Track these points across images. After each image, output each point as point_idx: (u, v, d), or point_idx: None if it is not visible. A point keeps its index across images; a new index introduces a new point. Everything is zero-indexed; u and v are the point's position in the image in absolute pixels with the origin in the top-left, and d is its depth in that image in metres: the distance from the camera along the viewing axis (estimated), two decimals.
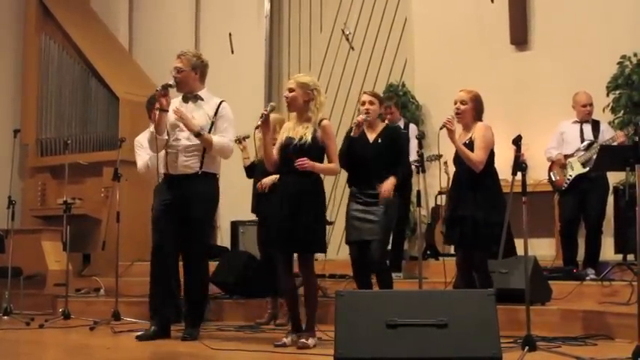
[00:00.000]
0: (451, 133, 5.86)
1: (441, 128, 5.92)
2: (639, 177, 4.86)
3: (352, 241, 6.28)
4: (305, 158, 5.53)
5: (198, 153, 6.08)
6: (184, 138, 6.07)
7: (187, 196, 6.04)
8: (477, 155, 5.89)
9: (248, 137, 6.77)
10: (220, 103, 6.24)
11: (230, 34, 11.44)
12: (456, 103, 6.05)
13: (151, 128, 6.17)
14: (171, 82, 6.07)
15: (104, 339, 6.31)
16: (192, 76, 6.18)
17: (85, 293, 9.19)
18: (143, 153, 7.13)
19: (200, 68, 6.24)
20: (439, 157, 7.56)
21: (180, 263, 6.35)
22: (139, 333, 6.12)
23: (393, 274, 7.02)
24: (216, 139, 6.03)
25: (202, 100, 6.17)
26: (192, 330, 6.09)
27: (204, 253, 6.24)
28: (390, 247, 8.27)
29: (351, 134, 6.21)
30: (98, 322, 7.01)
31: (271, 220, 5.76)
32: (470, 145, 5.93)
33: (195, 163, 6.09)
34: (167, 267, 6.19)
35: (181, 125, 6.04)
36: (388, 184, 6.09)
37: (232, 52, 11.49)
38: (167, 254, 6.15)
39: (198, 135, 5.96)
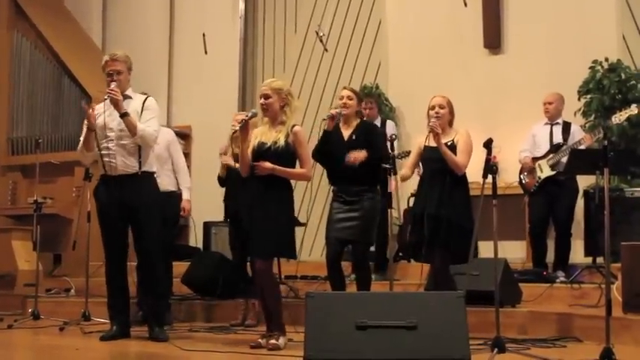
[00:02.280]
0: (438, 137, 5.90)
1: (429, 131, 5.95)
2: (607, 181, 4.91)
3: (331, 240, 6.26)
4: (265, 162, 5.53)
5: (136, 151, 6.08)
6: (117, 138, 6.07)
7: (131, 197, 6.05)
8: (462, 159, 5.97)
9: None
10: (146, 98, 6.28)
11: (204, 35, 11.41)
12: (434, 108, 6.07)
13: (81, 144, 6.19)
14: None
15: (74, 340, 6.27)
16: (127, 78, 6.22)
17: (55, 293, 9.11)
18: None
19: (131, 68, 6.27)
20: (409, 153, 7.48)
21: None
22: (102, 334, 6.13)
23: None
24: (140, 125, 6.04)
25: (131, 98, 6.18)
26: (158, 330, 6.09)
27: (157, 251, 6.20)
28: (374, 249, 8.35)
29: (326, 128, 6.20)
30: (68, 322, 6.96)
31: (243, 225, 5.76)
32: (450, 148, 5.99)
33: (135, 162, 6.10)
34: (121, 268, 6.22)
35: (113, 126, 6.05)
36: (357, 154, 6.10)
37: (206, 52, 11.46)
38: (119, 255, 6.19)
39: (124, 115, 5.96)
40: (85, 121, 6.13)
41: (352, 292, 6.04)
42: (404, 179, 6.29)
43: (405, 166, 6.41)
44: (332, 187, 6.36)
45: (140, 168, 6.11)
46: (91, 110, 6.06)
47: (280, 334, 5.60)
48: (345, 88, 6.51)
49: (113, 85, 6.01)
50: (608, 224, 4.77)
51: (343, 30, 10.69)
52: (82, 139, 6.21)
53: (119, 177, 6.09)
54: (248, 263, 6.50)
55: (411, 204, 8.92)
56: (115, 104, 5.97)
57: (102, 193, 6.20)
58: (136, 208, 6.06)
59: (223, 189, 7.33)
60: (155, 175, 6.36)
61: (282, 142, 5.60)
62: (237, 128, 5.61)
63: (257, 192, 5.62)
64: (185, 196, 7.27)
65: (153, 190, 6.27)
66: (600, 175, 5.33)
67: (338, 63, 10.67)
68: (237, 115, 6.38)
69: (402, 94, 9.97)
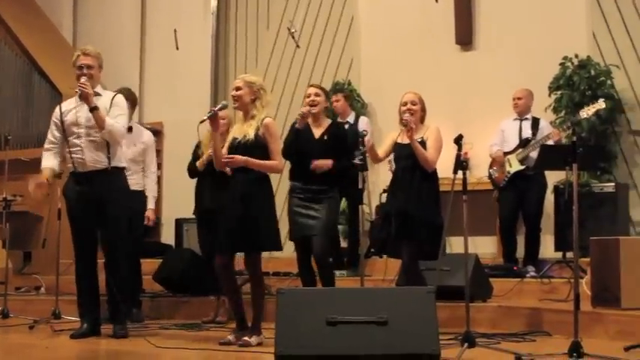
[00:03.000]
0: (411, 132, 5.91)
1: (405, 125, 5.97)
2: (576, 176, 4.95)
3: (296, 238, 6.28)
4: (235, 155, 5.52)
5: (104, 147, 6.05)
6: (85, 135, 6.04)
7: (100, 191, 6.02)
8: (432, 155, 5.99)
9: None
10: (115, 95, 6.25)
11: (175, 30, 11.37)
12: (406, 104, 6.08)
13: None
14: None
15: (44, 338, 6.21)
16: (98, 75, 6.19)
17: (25, 291, 9.04)
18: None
19: (102, 66, 6.25)
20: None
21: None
22: (72, 332, 6.09)
23: (337, 272, 7.06)
24: (109, 119, 6.00)
25: (100, 95, 6.15)
26: (119, 327, 6.07)
27: (122, 247, 6.17)
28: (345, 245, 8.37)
29: (296, 125, 6.20)
30: (38, 320, 6.90)
31: (221, 220, 5.72)
32: (420, 144, 5.99)
33: (104, 158, 6.07)
34: (91, 266, 6.20)
35: (82, 122, 6.02)
36: (322, 162, 6.13)
37: (177, 48, 11.42)
38: (89, 253, 6.17)
39: (93, 109, 5.92)
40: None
41: (323, 288, 6.05)
42: (373, 158, 6.25)
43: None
44: (291, 183, 6.34)
45: (110, 163, 6.08)
46: (80, 88, 5.96)
47: (254, 333, 5.60)
48: (311, 85, 6.52)
49: (83, 79, 5.97)
50: (576, 219, 4.81)
51: (315, 26, 10.70)
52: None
53: (88, 173, 6.05)
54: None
55: (383, 200, 8.97)
56: (85, 98, 5.92)
57: (71, 190, 6.16)
58: (104, 202, 6.01)
59: (194, 186, 7.27)
60: (125, 171, 6.33)
61: (251, 135, 5.60)
62: (205, 117, 5.60)
63: (238, 186, 5.60)
64: (150, 205, 7.22)
65: (122, 185, 6.24)
66: (570, 171, 5.36)
67: (310, 59, 10.68)
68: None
69: (374, 91, 10.00)
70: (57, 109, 6.21)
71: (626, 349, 4.88)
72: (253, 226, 5.53)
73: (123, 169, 6.27)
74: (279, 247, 5.76)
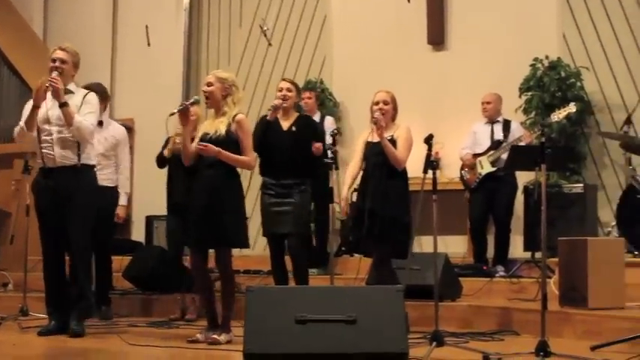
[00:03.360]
0: (381, 130, 5.91)
1: (374, 123, 5.97)
2: (544, 177, 4.99)
3: (270, 235, 6.26)
4: (209, 144, 5.51)
5: (75, 145, 6.01)
6: (57, 132, 5.99)
7: (68, 188, 5.97)
8: (402, 154, 5.98)
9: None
10: (88, 93, 6.21)
11: (147, 27, 11.31)
12: (378, 104, 6.08)
13: (22, 122, 6.07)
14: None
15: (11, 335, 6.15)
16: (72, 72, 6.15)
17: None
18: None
19: (77, 66, 6.21)
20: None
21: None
22: (40, 329, 6.05)
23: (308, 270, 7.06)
24: (78, 116, 5.96)
25: (72, 93, 6.11)
26: (77, 324, 5.99)
27: (84, 244, 6.10)
28: (314, 243, 8.36)
29: (267, 117, 6.19)
30: (5, 317, 6.83)
31: (190, 216, 5.71)
32: (390, 143, 5.99)
33: (73, 155, 6.02)
34: (59, 263, 6.16)
35: (53, 118, 5.97)
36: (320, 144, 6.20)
37: (149, 44, 11.36)
38: (57, 250, 6.12)
39: (63, 105, 5.88)
40: (32, 100, 6.01)
41: (292, 286, 6.05)
42: (352, 177, 6.26)
43: (350, 166, 6.37)
44: (263, 179, 6.34)
45: (79, 160, 6.04)
46: (41, 86, 5.92)
47: (224, 331, 5.58)
48: (284, 79, 6.52)
49: (54, 73, 5.93)
50: (544, 220, 4.85)
51: (288, 24, 10.69)
52: (23, 116, 6.08)
53: (57, 169, 6.00)
54: (186, 256, 6.51)
55: (354, 199, 8.98)
56: (55, 92, 5.88)
57: (40, 186, 6.12)
58: (71, 197, 5.96)
59: (166, 183, 7.23)
60: (95, 169, 6.29)
61: (222, 131, 5.57)
62: (175, 110, 5.58)
63: (207, 182, 5.58)
64: (122, 201, 7.16)
65: (89, 183, 6.17)
66: (539, 172, 5.40)
67: (283, 57, 10.67)
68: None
69: (346, 89, 10.01)
70: (29, 104, 6.15)
71: (593, 348, 4.92)
72: (222, 223, 5.51)
73: (92, 166, 6.23)
74: (247, 245, 5.76)
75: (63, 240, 6.12)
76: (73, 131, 5.94)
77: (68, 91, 6.04)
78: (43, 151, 6.01)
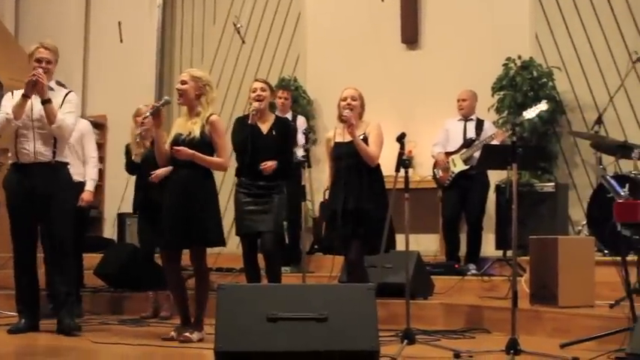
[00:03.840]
0: (352, 127, 5.89)
1: (342, 121, 5.95)
2: (515, 176, 5.03)
3: (244, 234, 6.25)
4: (183, 147, 5.49)
5: (51, 142, 5.97)
6: (36, 127, 5.94)
7: (43, 186, 5.93)
8: (374, 151, 5.95)
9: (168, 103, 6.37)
10: (69, 92, 6.18)
11: (119, 23, 11.24)
12: (346, 99, 6.05)
13: (9, 111, 5.99)
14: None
15: None
16: (53, 70, 6.11)
17: None
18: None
19: (57, 62, 6.18)
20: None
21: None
22: (10, 327, 5.99)
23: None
24: (60, 115, 5.93)
25: (53, 90, 6.07)
26: (68, 322, 5.97)
27: (68, 243, 6.08)
28: (287, 241, 8.36)
29: (249, 121, 6.16)
30: None
31: (164, 216, 5.67)
32: (362, 140, 5.98)
33: (49, 151, 5.98)
34: (31, 260, 6.10)
35: (33, 114, 5.92)
36: (270, 164, 6.12)
37: (121, 41, 11.28)
38: (28, 247, 6.06)
39: (45, 102, 5.85)
40: (16, 91, 5.99)
41: (264, 284, 6.05)
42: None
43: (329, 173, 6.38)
44: (239, 179, 6.32)
45: (54, 157, 5.99)
46: (33, 77, 5.87)
47: (196, 329, 5.57)
48: (257, 80, 6.47)
49: (40, 70, 5.89)
50: (515, 218, 4.88)
51: (262, 22, 10.68)
52: (4, 107, 6.01)
53: (31, 165, 5.95)
54: (157, 254, 6.49)
55: (327, 197, 8.98)
56: (41, 88, 5.83)
57: (12, 183, 6.06)
58: (48, 198, 5.92)
59: (134, 178, 7.20)
60: (69, 165, 6.25)
61: (196, 133, 5.55)
62: (148, 113, 5.56)
63: (181, 182, 5.56)
64: (88, 187, 7.08)
65: (66, 180, 6.15)
66: (511, 171, 5.43)
67: (256, 55, 10.66)
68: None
69: (319, 88, 10.01)
70: (8, 96, 6.09)
71: (562, 346, 4.97)
72: (197, 222, 5.51)
73: (67, 164, 6.18)
74: (223, 243, 5.75)
75: (35, 238, 6.09)
76: (53, 129, 5.91)
77: (49, 88, 6.01)
78: (18, 146, 5.96)
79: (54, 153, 5.98)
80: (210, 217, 5.59)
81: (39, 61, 6.00)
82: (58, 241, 6.02)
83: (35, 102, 5.93)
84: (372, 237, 5.83)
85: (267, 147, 6.18)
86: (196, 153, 5.50)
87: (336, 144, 6.12)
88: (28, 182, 5.96)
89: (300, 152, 7.16)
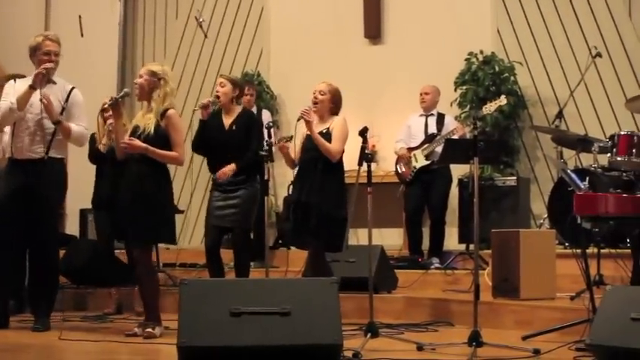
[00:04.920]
0: (308, 124, 5.86)
1: (298, 119, 5.93)
2: (476, 170, 5.06)
3: (210, 228, 6.23)
4: (135, 140, 5.46)
5: (45, 138, 5.91)
6: (32, 120, 5.90)
7: (35, 183, 5.88)
8: (336, 146, 5.88)
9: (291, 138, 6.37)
10: (72, 89, 6.14)
11: (80, 17, 11.11)
12: (314, 93, 6.04)
13: (13, 100, 5.91)
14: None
15: None
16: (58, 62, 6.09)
17: None
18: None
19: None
20: (290, 138, 7.33)
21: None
22: None
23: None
24: (74, 127, 5.94)
25: (54, 83, 6.01)
26: (44, 320, 5.94)
27: (55, 240, 6.05)
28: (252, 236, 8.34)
29: (200, 117, 6.16)
30: None
31: (118, 211, 5.67)
32: (325, 135, 5.91)
33: (41, 148, 5.93)
34: (10, 257, 6.02)
35: (32, 108, 5.86)
36: (226, 169, 6.14)
37: (82, 35, 11.16)
38: (13, 244, 5.98)
39: (57, 123, 5.82)
40: (19, 80, 5.99)
41: (226, 278, 6.04)
42: (291, 164, 6.21)
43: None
44: (212, 176, 6.32)
45: (47, 153, 5.92)
46: (43, 70, 5.82)
47: (156, 324, 5.55)
48: (221, 76, 6.49)
49: (49, 65, 5.88)
50: (477, 212, 4.92)
51: (225, 17, 10.64)
52: (7, 95, 5.97)
53: (24, 161, 5.91)
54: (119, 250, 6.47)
55: (291, 192, 8.98)
56: (49, 111, 5.82)
57: (4, 178, 6.01)
58: (39, 195, 5.87)
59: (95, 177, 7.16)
60: (65, 161, 6.17)
61: (150, 128, 5.52)
62: (107, 104, 5.52)
63: (133, 177, 5.53)
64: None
65: (55, 177, 6.06)
66: (473, 165, 5.47)
67: (219, 50, 10.62)
68: None
69: (283, 82, 10.02)
70: (10, 84, 6.00)
71: (524, 338, 5.02)
72: (146, 218, 5.47)
73: (61, 159, 6.11)
74: (173, 240, 5.74)
75: (20, 233, 5.97)
76: (72, 141, 5.98)
77: (51, 80, 5.94)
78: (15, 140, 5.92)
79: (48, 149, 5.92)
80: (160, 213, 5.55)
81: (47, 54, 5.95)
82: (44, 240, 5.97)
83: (33, 97, 5.86)
84: (328, 233, 5.77)
85: (227, 142, 6.16)
86: (149, 147, 5.47)
87: (306, 136, 6.10)
88: (18, 179, 5.92)
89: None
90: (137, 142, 5.46)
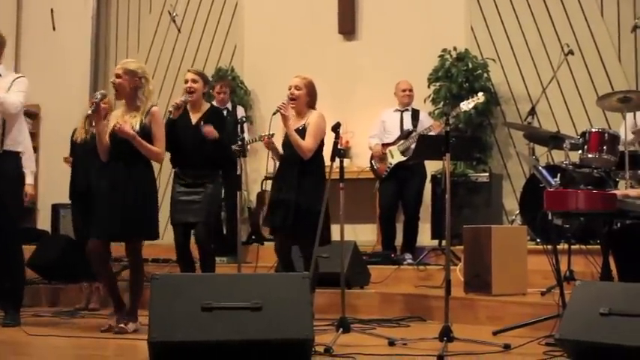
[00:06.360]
0: (284, 119, 5.84)
1: (274, 113, 5.90)
2: (448, 166, 5.08)
3: (177, 224, 6.22)
4: (126, 125, 5.42)
5: None
6: None
7: None
8: (308, 143, 5.85)
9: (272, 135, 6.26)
10: (20, 76, 6.08)
11: (52, 10, 11.03)
12: (290, 89, 6.00)
13: None
14: None
15: None
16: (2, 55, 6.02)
17: None
18: None
19: (4, 46, 6.09)
20: (272, 135, 7.27)
21: None
22: None
23: (217, 259, 7.03)
24: (2, 92, 5.82)
25: (1, 76, 5.95)
26: (14, 315, 5.90)
27: (15, 234, 5.99)
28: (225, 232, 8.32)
29: (171, 116, 6.13)
30: None
31: (99, 206, 5.62)
32: (302, 131, 5.90)
33: None
34: None
35: None
36: (213, 130, 6.11)
37: (54, 28, 11.08)
38: None
39: None
40: None
41: (198, 274, 6.02)
42: (279, 158, 6.17)
43: None
44: (174, 169, 6.29)
45: (2, 146, 5.85)
46: None
47: (131, 319, 5.54)
48: (189, 70, 6.44)
49: None
50: (449, 208, 4.95)
51: (199, 12, 10.60)
52: None
53: None
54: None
55: (265, 187, 8.99)
56: None
57: None
58: None
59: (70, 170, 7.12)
60: (21, 155, 6.06)
61: (137, 127, 5.49)
62: (90, 111, 5.51)
63: (119, 173, 5.51)
64: (29, 180, 6.95)
65: (11, 172, 5.98)
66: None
67: (193, 45, 10.58)
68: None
69: (257, 78, 10.01)
70: None
71: (495, 333, 5.05)
72: (133, 214, 5.46)
73: (17, 153, 6.01)
74: (157, 236, 5.73)
75: None
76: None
77: None
78: None
79: (1, 142, 5.85)
80: (146, 210, 5.56)
81: None
82: (5, 235, 5.89)
83: None
84: (301, 229, 5.75)
85: (194, 138, 6.15)
86: (137, 136, 5.44)
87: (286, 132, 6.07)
88: None
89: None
90: (128, 127, 5.42)
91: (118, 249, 7.39)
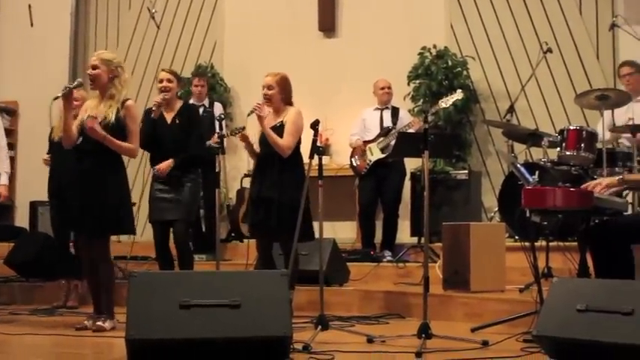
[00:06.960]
0: (260, 119, 5.82)
1: (249, 114, 5.89)
2: (426, 163, 5.09)
3: (155, 221, 6.21)
4: (97, 126, 5.39)
5: None
6: None
7: None
8: (286, 140, 5.82)
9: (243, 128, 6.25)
10: None
11: (30, 6, 10.96)
12: (263, 89, 5.99)
13: None
14: None
15: None
16: None
17: None
18: None
19: None
20: (243, 128, 7.22)
21: None
22: None
23: (196, 256, 7.02)
24: None
25: None
26: None
27: None
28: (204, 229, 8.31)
29: (152, 116, 6.11)
30: None
31: (71, 201, 5.58)
32: (280, 128, 5.87)
33: None
34: None
35: None
36: (163, 165, 6.13)
37: (32, 24, 11.00)
38: None
39: None
40: None
41: (176, 271, 6.00)
42: (254, 156, 6.16)
43: None
44: (152, 168, 6.27)
45: None
46: None
47: (108, 317, 5.51)
48: (163, 70, 6.44)
49: None
50: (427, 205, 4.95)
51: (178, 8, 10.57)
52: None
53: None
54: (71, 242, 6.40)
55: (244, 184, 8.97)
56: None
57: None
58: None
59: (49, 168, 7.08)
60: None
61: (112, 117, 5.45)
62: (59, 94, 5.43)
63: (88, 167, 5.47)
64: (3, 180, 6.91)
65: None
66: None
67: (173, 41, 10.55)
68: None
69: (236, 74, 10.00)
70: None
71: (473, 329, 5.07)
72: (103, 209, 5.42)
73: None
74: (132, 231, 5.69)
75: None
76: None
77: None
78: None
79: None
80: (117, 204, 5.50)
81: None
82: None
83: None
84: (283, 226, 5.72)
85: (170, 137, 6.14)
86: (107, 136, 5.40)
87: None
88: None
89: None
90: (98, 127, 5.38)
91: (117, 249, 7.44)
